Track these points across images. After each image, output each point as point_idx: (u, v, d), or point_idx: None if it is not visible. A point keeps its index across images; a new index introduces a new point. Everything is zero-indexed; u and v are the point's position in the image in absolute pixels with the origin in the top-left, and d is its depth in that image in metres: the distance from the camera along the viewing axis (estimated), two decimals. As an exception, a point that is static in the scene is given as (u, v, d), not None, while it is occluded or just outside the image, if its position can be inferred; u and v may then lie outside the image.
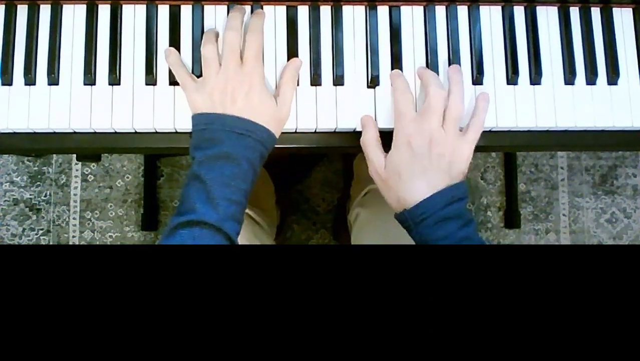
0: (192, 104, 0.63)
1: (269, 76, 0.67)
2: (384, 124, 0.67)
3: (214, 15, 0.68)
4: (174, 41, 0.67)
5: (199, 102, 0.62)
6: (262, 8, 0.68)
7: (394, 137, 0.64)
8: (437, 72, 0.68)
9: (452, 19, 0.70)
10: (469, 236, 0.61)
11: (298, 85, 0.67)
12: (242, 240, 0.82)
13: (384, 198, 0.65)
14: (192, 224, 0.59)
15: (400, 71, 0.68)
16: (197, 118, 0.63)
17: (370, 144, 0.65)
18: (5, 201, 1.35)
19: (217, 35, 0.65)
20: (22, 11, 0.67)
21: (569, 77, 0.70)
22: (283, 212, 1.12)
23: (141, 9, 0.68)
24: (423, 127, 0.62)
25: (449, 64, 0.69)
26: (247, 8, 0.68)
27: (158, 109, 0.66)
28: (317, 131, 0.68)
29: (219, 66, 0.62)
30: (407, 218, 0.62)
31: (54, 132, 0.66)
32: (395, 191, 0.63)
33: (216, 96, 0.61)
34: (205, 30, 0.67)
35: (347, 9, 0.69)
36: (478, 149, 0.67)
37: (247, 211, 0.89)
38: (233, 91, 0.61)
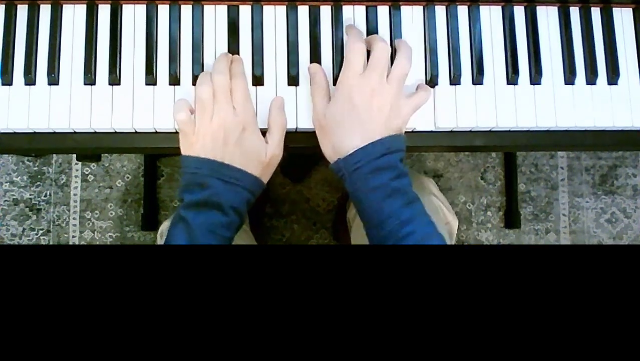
0: (187, 145, 0.64)
1: (269, 77, 0.67)
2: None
3: (214, 15, 0.68)
4: (174, 41, 0.67)
5: (195, 145, 0.63)
6: (262, 8, 0.68)
7: (336, 86, 0.64)
8: (437, 72, 0.68)
9: (452, 19, 0.70)
10: (401, 189, 0.61)
11: (297, 85, 0.67)
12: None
13: (321, 147, 0.65)
14: None
15: (353, 25, 0.67)
16: (187, 160, 0.63)
17: (318, 90, 0.65)
18: (5, 201, 1.35)
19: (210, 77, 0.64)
20: (22, 11, 0.67)
21: (569, 77, 0.70)
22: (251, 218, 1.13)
23: (141, 9, 0.68)
24: (366, 81, 0.62)
25: (449, 64, 0.69)
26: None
27: (158, 109, 0.66)
28: (317, 130, 0.68)
29: (213, 110, 0.62)
30: (341, 167, 0.62)
31: (54, 132, 0.66)
32: (331, 139, 0.63)
33: (208, 141, 0.62)
34: (204, 32, 0.67)
35: (347, 9, 0.69)
36: (478, 149, 0.67)
37: None
38: (225, 136, 0.62)
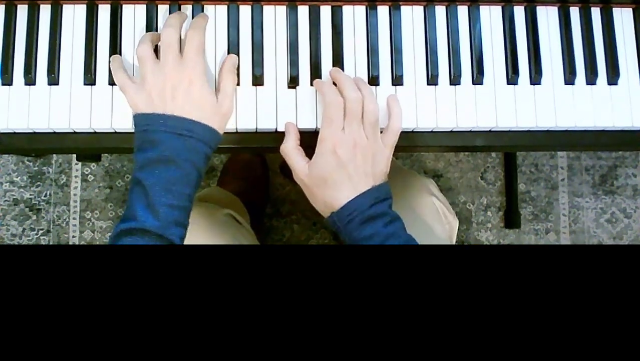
0: (133, 104, 0.62)
1: (269, 77, 0.67)
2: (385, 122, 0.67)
3: (214, 15, 0.68)
4: (174, 41, 0.67)
5: (139, 102, 0.61)
6: (262, 8, 0.68)
7: (319, 142, 0.64)
8: (437, 72, 0.68)
9: (452, 19, 0.70)
10: (395, 232, 0.62)
11: (298, 85, 0.67)
12: (230, 241, 0.82)
13: (310, 201, 0.66)
14: (134, 232, 0.58)
15: (321, 80, 0.67)
16: (137, 118, 0.61)
17: (291, 152, 0.65)
18: (5, 201, 1.35)
19: (153, 37, 0.64)
20: (22, 11, 0.67)
21: (569, 77, 0.70)
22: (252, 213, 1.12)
23: (141, 9, 0.68)
24: (347, 134, 0.63)
25: (449, 64, 0.69)
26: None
27: (158, 109, 0.66)
28: (317, 130, 0.68)
29: (155, 64, 0.61)
30: (335, 221, 0.63)
31: (54, 132, 0.66)
32: (321, 196, 0.63)
33: (155, 94, 0.60)
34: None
35: (347, 9, 0.69)
36: (478, 149, 0.67)
37: (231, 212, 0.89)
38: (172, 87, 0.60)
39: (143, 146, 0.60)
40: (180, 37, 0.64)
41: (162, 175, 0.59)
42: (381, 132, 0.65)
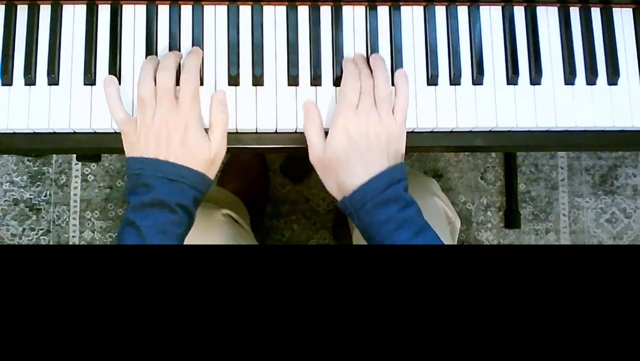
0: (128, 146, 0.63)
1: (269, 77, 0.67)
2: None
3: (214, 15, 0.68)
4: (174, 41, 0.67)
5: (136, 145, 0.62)
6: (262, 8, 0.68)
7: (332, 120, 0.64)
8: (437, 72, 0.68)
9: (452, 19, 0.70)
10: (410, 218, 0.61)
11: (298, 85, 0.67)
12: (229, 242, 0.82)
13: (324, 184, 0.65)
14: None
15: (350, 58, 0.67)
16: (131, 162, 0.62)
17: (312, 126, 0.65)
18: (5, 201, 1.34)
19: (155, 68, 0.64)
20: (22, 11, 0.67)
21: (569, 77, 0.70)
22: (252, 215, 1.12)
23: (141, 9, 0.68)
24: (360, 111, 0.63)
25: (449, 64, 0.69)
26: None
27: (158, 109, 0.66)
28: (317, 131, 0.68)
29: (154, 108, 0.62)
30: (347, 206, 0.62)
31: (54, 132, 0.66)
32: (334, 176, 0.63)
33: (151, 140, 0.61)
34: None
35: (347, 9, 0.69)
36: (478, 149, 0.66)
37: (229, 213, 0.89)
38: (168, 134, 0.61)
39: (137, 189, 0.61)
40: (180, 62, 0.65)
41: (156, 218, 0.60)
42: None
